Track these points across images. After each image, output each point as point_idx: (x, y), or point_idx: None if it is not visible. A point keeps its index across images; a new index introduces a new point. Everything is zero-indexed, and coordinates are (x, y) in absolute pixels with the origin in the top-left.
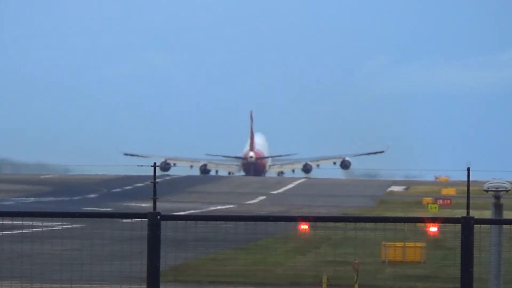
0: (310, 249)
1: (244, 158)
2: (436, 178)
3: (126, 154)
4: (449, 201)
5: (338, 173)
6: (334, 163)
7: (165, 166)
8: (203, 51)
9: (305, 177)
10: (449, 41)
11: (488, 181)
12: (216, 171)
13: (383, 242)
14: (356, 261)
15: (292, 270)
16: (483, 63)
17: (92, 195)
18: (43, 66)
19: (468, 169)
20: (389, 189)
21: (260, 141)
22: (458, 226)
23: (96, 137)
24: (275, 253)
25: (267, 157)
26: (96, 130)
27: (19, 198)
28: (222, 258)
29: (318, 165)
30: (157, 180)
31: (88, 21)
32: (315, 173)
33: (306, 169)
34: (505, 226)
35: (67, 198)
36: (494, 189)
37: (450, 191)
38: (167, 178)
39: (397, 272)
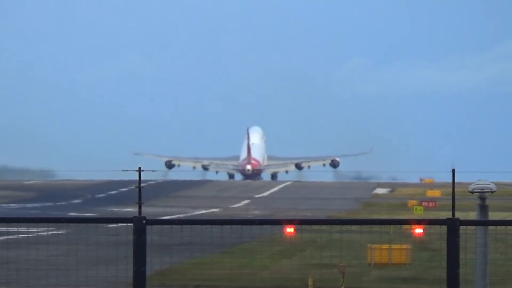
0: (296, 252)
1: (242, 169)
2: (421, 179)
3: (136, 154)
4: (434, 203)
5: (328, 174)
6: (324, 164)
7: (170, 165)
8: (191, 53)
9: (293, 181)
10: (430, 42)
11: (473, 182)
12: (217, 172)
13: (369, 245)
14: (342, 264)
15: (278, 273)
16: (465, 63)
17: (76, 201)
18: (26, 69)
19: (453, 171)
20: (374, 191)
21: (256, 139)
22: (444, 228)
23: (93, 140)
24: (261, 256)
25: (262, 169)
26: (91, 132)
27: (4, 204)
28: (207, 262)
29: (309, 166)
30: (142, 184)
31: (85, 21)
32: (306, 173)
33: (299, 167)
34: (490, 227)
35: (52, 204)
36: (479, 190)
37: (435, 192)
38: (152, 182)
39: (383, 274)
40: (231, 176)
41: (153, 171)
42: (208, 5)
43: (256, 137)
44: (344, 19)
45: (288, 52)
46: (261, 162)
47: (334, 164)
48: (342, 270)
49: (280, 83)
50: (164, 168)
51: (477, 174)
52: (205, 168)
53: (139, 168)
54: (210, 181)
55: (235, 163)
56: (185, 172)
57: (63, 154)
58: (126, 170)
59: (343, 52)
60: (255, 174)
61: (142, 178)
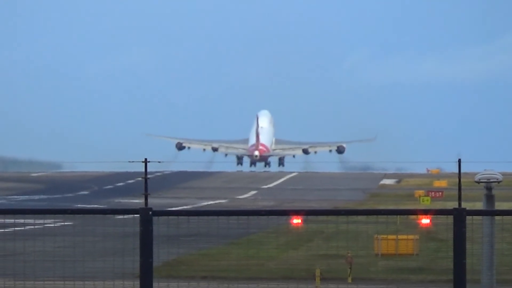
0: (303, 243)
1: (251, 155)
2: (427, 170)
3: (147, 135)
4: (441, 193)
5: (335, 164)
6: (330, 150)
7: (180, 147)
8: (200, 43)
9: (299, 171)
10: (435, 33)
11: (480, 172)
12: (226, 155)
13: (376, 235)
14: (349, 254)
15: (285, 264)
16: (471, 54)
17: (83, 192)
18: (29, 60)
19: (459, 161)
20: (381, 182)
21: (265, 123)
22: (450, 218)
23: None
24: (268, 247)
25: (270, 155)
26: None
27: (11, 196)
28: (214, 253)
29: (316, 152)
30: (149, 176)
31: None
32: (312, 158)
33: (306, 152)
34: (497, 217)
35: (59, 196)
36: (485, 180)
37: (442, 183)
38: (158, 174)
39: (390, 264)
40: (239, 159)
41: (159, 162)
42: None
43: (264, 121)
44: (350, 10)
45: (294, 43)
46: (269, 147)
47: (340, 150)
48: (349, 261)
49: (288, 71)
50: (174, 150)
51: (484, 164)
52: (214, 149)
53: (145, 159)
54: (217, 172)
55: (244, 146)
56: (194, 155)
57: (71, 146)
58: (133, 162)
59: (347, 43)
60: (263, 159)
61: (150, 169)
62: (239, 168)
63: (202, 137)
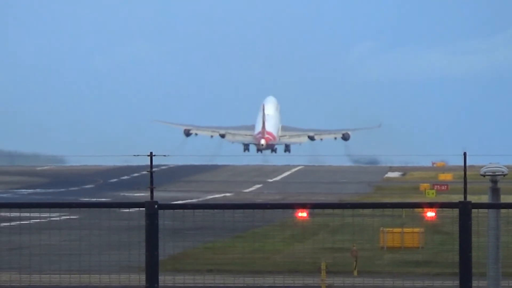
0: (308, 236)
1: (257, 144)
2: (433, 163)
3: (155, 121)
4: (446, 186)
5: (340, 158)
6: (335, 138)
7: (188, 134)
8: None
9: (305, 165)
10: (441, 26)
11: (485, 165)
12: (233, 142)
13: (381, 228)
14: (355, 248)
15: (290, 258)
16: (476, 47)
17: (89, 186)
18: (34, 54)
19: (465, 154)
20: (386, 175)
21: (271, 110)
22: (456, 211)
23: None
24: (273, 240)
25: (276, 144)
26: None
27: (16, 190)
28: (220, 247)
29: (321, 139)
30: (154, 169)
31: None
32: (319, 149)
33: (311, 139)
34: (502, 210)
35: (64, 189)
36: (491, 173)
37: (447, 176)
38: (164, 167)
39: (396, 258)
40: (246, 146)
41: (164, 155)
42: None
43: (270, 108)
44: (356, 4)
45: (300, 37)
46: (275, 135)
47: (345, 137)
48: (355, 254)
49: (294, 65)
50: (181, 137)
51: (489, 157)
52: (222, 136)
53: (151, 153)
54: (223, 165)
55: (251, 132)
56: (201, 143)
57: (77, 139)
58: (138, 155)
59: (351, 37)
60: (269, 147)
61: (155, 162)
62: (246, 154)
63: (209, 123)
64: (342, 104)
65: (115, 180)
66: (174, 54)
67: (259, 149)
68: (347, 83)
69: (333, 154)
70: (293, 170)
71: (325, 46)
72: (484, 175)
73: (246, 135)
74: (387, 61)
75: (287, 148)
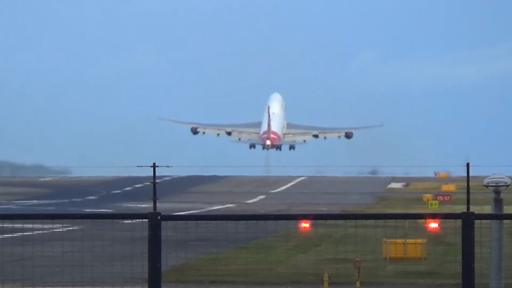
0: (311, 247)
1: (263, 144)
2: (436, 174)
3: (160, 119)
4: (449, 197)
5: (344, 167)
6: (339, 136)
7: (195, 132)
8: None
9: (307, 176)
10: (441, 36)
11: (488, 176)
12: (239, 139)
13: (384, 239)
14: (357, 259)
15: (293, 269)
16: (478, 57)
17: (92, 197)
18: (36, 65)
19: (468, 165)
20: (389, 186)
21: (276, 108)
22: (459, 222)
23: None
24: (276, 251)
25: (281, 144)
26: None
27: (19, 201)
28: (223, 258)
29: (325, 137)
30: (157, 180)
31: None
32: (321, 144)
33: (315, 137)
34: (505, 221)
35: (67, 200)
36: (494, 184)
37: (450, 187)
38: (167, 178)
39: (399, 268)
40: (252, 145)
41: (167, 166)
42: None
43: (276, 106)
44: (357, 13)
45: (295, 47)
46: (280, 134)
47: (348, 135)
48: (358, 265)
49: (297, 72)
50: (188, 135)
51: (492, 168)
52: (228, 133)
53: (154, 164)
54: (226, 176)
55: (256, 130)
56: (208, 139)
57: (81, 150)
58: (141, 166)
59: (352, 47)
60: (275, 146)
61: (158, 174)
62: (252, 151)
63: (216, 121)
64: (344, 118)
65: (118, 191)
66: (175, 52)
67: (265, 148)
68: (348, 95)
69: (335, 165)
70: (296, 180)
71: (325, 56)
72: (487, 186)
73: (252, 132)
74: (388, 71)
75: (291, 146)
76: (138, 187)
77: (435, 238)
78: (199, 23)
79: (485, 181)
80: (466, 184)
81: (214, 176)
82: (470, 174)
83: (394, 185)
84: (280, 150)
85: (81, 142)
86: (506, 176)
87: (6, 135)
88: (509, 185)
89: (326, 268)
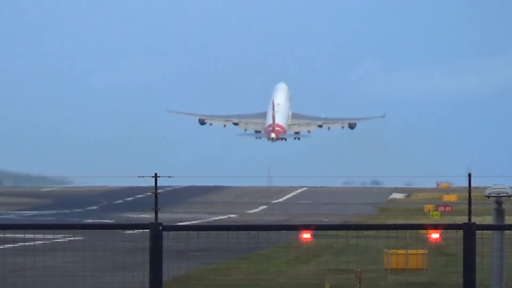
0: (312, 257)
1: (268, 136)
2: (437, 184)
3: (170, 112)
4: (450, 207)
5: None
6: (343, 127)
7: (203, 123)
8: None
9: (309, 186)
10: (444, 46)
11: (490, 186)
12: (245, 130)
13: (385, 250)
14: (359, 269)
15: (294, 279)
16: (480, 67)
17: (93, 207)
18: (38, 74)
19: (469, 175)
20: (391, 196)
21: (281, 99)
22: (460, 233)
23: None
24: (278, 262)
25: (286, 136)
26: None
27: (21, 211)
28: (224, 268)
29: (329, 128)
30: (159, 191)
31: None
32: (324, 134)
33: (320, 127)
34: (507, 232)
35: (68, 210)
36: (495, 194)
37: (452, 197)
38: (168, 189)
39: (400, 279)
40: (258, 135)
41: (169, 177)
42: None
43: (281, 97)
44: (357, 22)
45: (296, 57)
46: (285, 126)
47: (351, 126)
48: (359, 276)
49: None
50: (196, 126)
51: (494, 179)
52: (235, 124)
53: (155, 174)
54: (227, 187)
55: (262, 121)
56: (215, 130)
57: (81, 160)
58: (142, 177)
59: (353, 56)
60: (279, 138)
61: (159, 184)
62: (258, 141)
63: (223, 112)
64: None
65: (119, 201)
66: (175, 52)
67: (270, 140)
68: (349, 104)
69: (337, 175)
70: (298, 191)
71: (327, 65)
72: (488, 197)
73: (258, 123)
74: (389, 81)
75: (296, 136)
76: (139, 197)
77: (436, 249)
78: (207, 17)
79: (487, 192)
80: (467, 194)
81: (216, 186)
82: (472, 185)
83: (395, 195)
84: (286, 140)
85: (83, 151)
86: (508, 187)
87: (7, 145)
88: (510, 195)
89: (328, 278)
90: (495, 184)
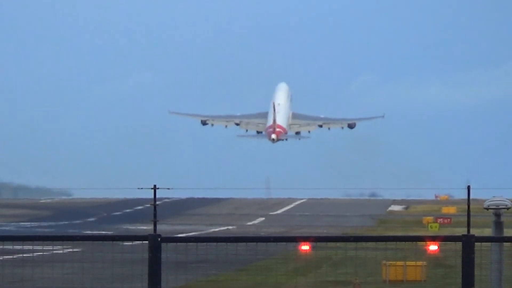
0: (311, 269)
1: (268, 137)
2: (436, 196)
3: (171, 113)
4: (449, 219)
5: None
6: (342, 127)
7: (205, 123)
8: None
9: (307, 198)
10: (442, 58)
11: (488, 199)
12: (246, 130)
13: (384, 262)
14: (357, 281)
15: None
16: (479, 79)
17: (92, 219)
18: (39, 87)
19: (468, 187)
20: (389, 208)
21: (282, 99)
22: (459, 245)
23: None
24: (276, 273)
25: (286, 137)
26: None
27: (19, 223)
28: (223, 280)
29: (329, 128)
30: (157, 202)
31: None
32: (324, 139)
33: (320, 127)
34: (506, 244)
35: (67, 222)
36: (494, 206)
37: (451, 209)
38: (167, 200)
39: None
40: (259, 133)
41: (168, 188)
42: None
43: (282, 97)
44: (355, 35)
45: (294, 67)
46: (286, 127)
47: (351, 126)
48: (357, 287)
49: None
50: (197, 128)
51: (493, 191)
52: (237, 124)
53: (154, 186)
54: (226, 199)
55: (263, 121)
56: (216, 131)
57: (81, 171)
58: (141, 188)
59: (351, 69)
60: (280, 139)
61: (158, 196)
62: (259, 143)
63: (224, 112)
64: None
65: (118, 213)
66: (177, 51)
67: (270, 140)
68: (349, 102)
69: (336, 187)
70: (296, 203)
71: (324, 79)
72: (487, 209)
73: (259, 123)
74: (387, 94)
75: (297, 137)
76: (138, 209)
77: (435, 261)
78: (207, 15)
79: (486, 204)
80: (466, 206)
81: (215, 198)
82: (471, 197)
83: (394, 207)
84: (287, 140)
85: (84, 160)
86: (507, 199)
87: (6, 156)
88: (509, 208)
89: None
90: (494, 196)
